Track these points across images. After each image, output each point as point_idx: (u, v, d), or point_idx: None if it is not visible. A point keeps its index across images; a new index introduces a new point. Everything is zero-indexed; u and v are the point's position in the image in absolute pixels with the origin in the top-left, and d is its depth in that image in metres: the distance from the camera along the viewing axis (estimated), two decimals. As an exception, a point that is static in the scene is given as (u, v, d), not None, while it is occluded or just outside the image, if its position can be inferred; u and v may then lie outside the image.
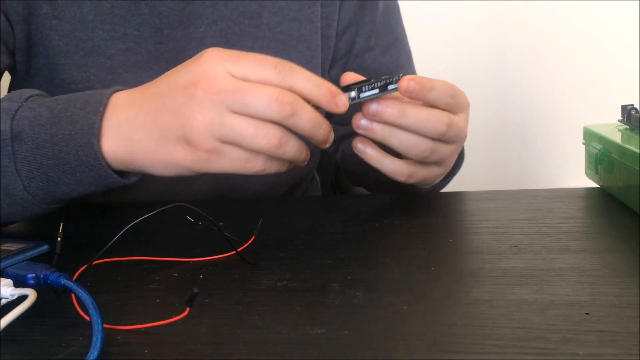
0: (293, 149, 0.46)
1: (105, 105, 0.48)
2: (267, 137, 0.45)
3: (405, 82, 0.49)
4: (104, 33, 0.64)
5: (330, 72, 0.76)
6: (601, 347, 0.32)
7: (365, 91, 0.50)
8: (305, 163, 0.49)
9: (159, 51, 0.66)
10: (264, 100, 0.44)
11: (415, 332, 0.35)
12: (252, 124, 0.45)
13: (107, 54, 0.64)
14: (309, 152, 0.49)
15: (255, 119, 0.45)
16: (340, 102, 0.47)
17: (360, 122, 0.51)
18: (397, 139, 0.51)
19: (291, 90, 0.45)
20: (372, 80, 0.51)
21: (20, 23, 0.62)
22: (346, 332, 0.35)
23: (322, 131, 0.47)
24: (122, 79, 0.65)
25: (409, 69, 0.79)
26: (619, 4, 1.35)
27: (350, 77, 0.51)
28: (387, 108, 0.50)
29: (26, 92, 0.51)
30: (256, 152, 0.46)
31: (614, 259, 0.44)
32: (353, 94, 0.50)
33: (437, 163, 0.55)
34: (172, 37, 0.66)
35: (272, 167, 0.47)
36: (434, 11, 1.38)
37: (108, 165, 0.48)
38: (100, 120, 0.48)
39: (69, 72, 0.64)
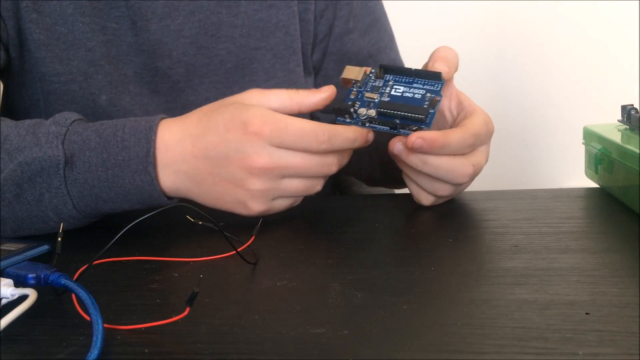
0: (343, 161, 0.54)
1: (155, 133, 0.51)
2: (306, 185, 0.53)
3: (413, 138, 0.50)
4: (83, 26, 0.64)
5: (312, 56, 0.76)
6: (601, 346, 0.32)
7: (378, 124, 0.53)
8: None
9: (137, 43, 0.66)
10: (312, 170, 0.52)
11: (415, 332, 0.35)
12: (304, 182, 0.53)
13: (87, 46, 0.65)
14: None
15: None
16: (370, 137, 0.54)
17: (395, 147, 0.54)
18: (417, 181, 0.55)
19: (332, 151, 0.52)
20: (413, 69, 0.54)
21: (11, 18, 0.63)
22: (346, 332, 0.35)
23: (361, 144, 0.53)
24: (104, 70, 0.65)
25: (391, 51, 0.79)
26: (619, 3, 1.35)
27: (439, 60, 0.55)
28: (409, 154, 0.52)
29: (70, 115, 0.53)
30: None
31: (614, 259, 0.44)
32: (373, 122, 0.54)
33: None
34: (146, 30, 0.66)
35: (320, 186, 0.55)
36: (434, 11, 1.38)
37: (162, 190, 0.52)
38: (154, 148, 0.51)
39: (50, 65, 0.64)
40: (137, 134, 0.51)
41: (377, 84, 0.55)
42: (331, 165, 0.52)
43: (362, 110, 0.54)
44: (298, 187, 0.52)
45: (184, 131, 0.52)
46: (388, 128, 0.53)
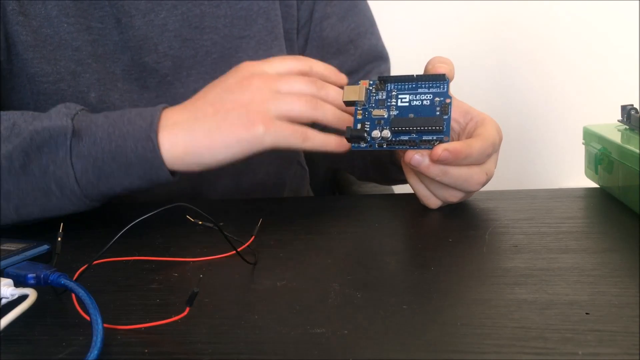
0: (329, 111, 0.55)
1: (160, 111, 0.53)
2: (307, 99, 0.54)
3: (439, 151, 0.50)
4: (69, 26, 0.65)
5: (297, 41, 0.76)
6: (600, 346, 0.32)
7: (396, 144, 0.52)
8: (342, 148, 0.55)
9: (123, 41, 0.67)
10: (306, 84, 0.55)
11: (415, 332, 0.35)
12: (303, 98, 0.54)
13: (74, 46, 0.65)
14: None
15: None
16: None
17: (413, 159, 0.53)
18: (430, 188, 0.55)
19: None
20: (415, 75, 0.53)
21: None
22: (346, 332, 0.35)
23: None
24: (91, 69, 0.66)
25: (372, 36, 0.79)
26: (619, 4, 1.35)
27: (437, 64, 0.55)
28: (430, 166, 0.51)
29: (76, 106, 0.55)
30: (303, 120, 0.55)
31: (614, 259, 0.44)
32: (383, 142, 0.53)
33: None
34: (131, 26, 0.66)
35: (317, 138, 0.55)
36: (434, 12, 1.38)
37: (162, 159, 0.52)
38: (158, 120, 0.52)
39: (38, 66, 0.64)
40: (143, 113, 0.53)
41: (380, 96, 0.53)
42: (326, 93, 0.55)
43: (376, 133, 0.52)
44: (297, 100, 0.54)
45: (186, 103, 0.55)
46: (408, 147, 0.52)
